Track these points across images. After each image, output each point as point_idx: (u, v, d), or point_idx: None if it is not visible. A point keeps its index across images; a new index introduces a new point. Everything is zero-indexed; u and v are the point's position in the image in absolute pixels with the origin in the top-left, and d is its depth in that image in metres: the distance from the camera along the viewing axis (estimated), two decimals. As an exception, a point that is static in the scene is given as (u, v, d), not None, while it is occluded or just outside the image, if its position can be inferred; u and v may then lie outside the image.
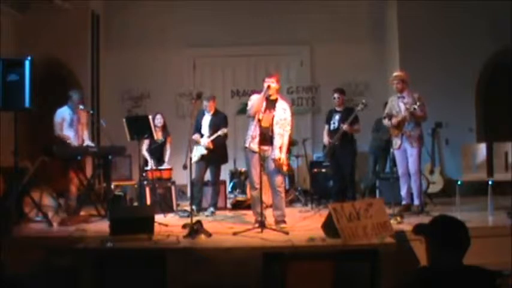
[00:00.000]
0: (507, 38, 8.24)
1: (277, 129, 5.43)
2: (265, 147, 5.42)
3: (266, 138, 5.42)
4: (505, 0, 8.07)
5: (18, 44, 8.32)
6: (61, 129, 6.53)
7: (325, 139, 7.12)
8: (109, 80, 9.33)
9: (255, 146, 5.38)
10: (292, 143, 6.90)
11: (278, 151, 5.40)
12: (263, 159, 5.39)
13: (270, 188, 5.61)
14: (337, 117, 7.00)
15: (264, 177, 5.51)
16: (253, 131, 5.41)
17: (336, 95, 7.07)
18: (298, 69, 9.64)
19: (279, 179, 5.48)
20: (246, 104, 8.93)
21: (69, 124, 6.58)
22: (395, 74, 6.33)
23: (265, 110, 5.45)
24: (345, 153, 6.88)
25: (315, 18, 9.28)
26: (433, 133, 8.49)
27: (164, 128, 7.54)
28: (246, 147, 5.53)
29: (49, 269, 4.39)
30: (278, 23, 9.31)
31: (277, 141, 5.42)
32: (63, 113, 6.59)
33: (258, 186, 5.35)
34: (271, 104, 5.49)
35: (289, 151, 5.91)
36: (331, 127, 7.02)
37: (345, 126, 6.77)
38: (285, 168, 5.46)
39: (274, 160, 5.37)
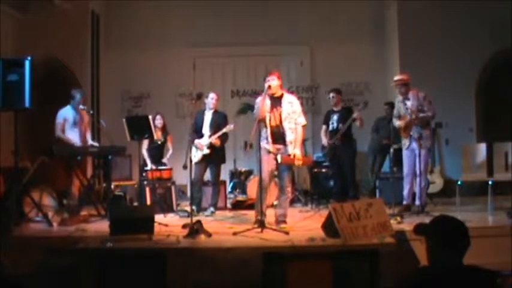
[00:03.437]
0: (507, 38, 8.24)
1: (287, 125, 5.40)
2: (278, 146, 5.41)
3: (278, 136, 5.40)
4: (505, 0, 8.07)
5: (18, 44, 8.33)
6: (62, 130, 6.55)
7: (324, 140, 7.13)
8: (109, 80, 9.34)
9: (269, 146, 5.38)
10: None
11: (291, 147, 5.37)
12: (276, 159, 5.37)
13: (277, 187, 5.61)
14: (335, 117, 7.02)
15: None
16: (265, 132, 5.41)
17: (331, 95, 7.12)
18: (298, 69, 9.64)
19: (288, 179, 5.47)
20: (246, 104, 9.01)
21: (72, 124, 6.61)
22: (396, 78, 6.29)
23: (271, 109, 5.42)
24: (345, 153, 6.90)
25: (314, 18, 9.28)
26: (433, 133, 8.49)
27: (164, 128, 7.55)
28: (260, 147, 5.44)
29: (49, 269, 4.38)
30: (278, 23, 9.31)
31: (289, 137, 5.39)
32: (66, 113, 6.62)
33: (267, 185, 5.37)
34: (276, 101, 5.46)
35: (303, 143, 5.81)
36: (330, 127, 7.03)
37: (342, 129, 6.74)
38: (297, 162, 5.35)
39: (288, 156, 5.32)
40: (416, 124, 6.03)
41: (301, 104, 9.26)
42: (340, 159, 6.93)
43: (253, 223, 5.34)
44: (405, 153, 6.23)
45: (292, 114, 5.43)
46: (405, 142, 6.21)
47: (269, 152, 5.39)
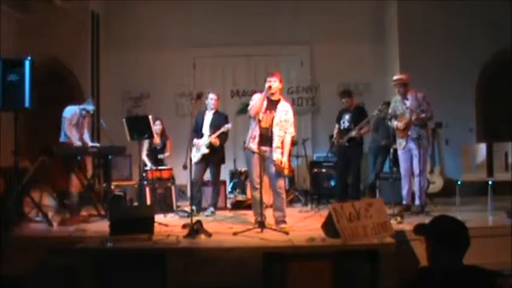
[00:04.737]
0: (507, 38, 8.24)
1: (276, 131, 5.38)
2: (264, 148, 5.38)
3: (265, 139, 5.37)
4: (505, 0, 8.07)
5: (18, 44, 8.32)
6: (71, 124, 6.53)
7: (335, 138, 7.15)
8: (109, 80, 9.33)
9: (254, 146, 5.35)
10: (293, 143, 6.89)
11: (278, 153, 5.36)
12: (264, 160, 5.37)
13: (271, 189, 5.60)
14: (347, 116, 7.06)
15: (265, 178, 5.50)
16: (254, 131, 5.38)
17: (343, 100, 7.17)
18: (298, 69, 9.64)
19: (280, 181, 5.44)
20: (246, 104, 8.99)
21: (74, 123, 6.63)
22: (395, 77, 6.30)
23: (265, 110, 5.40)
24: (353, 154, 6.93)
25: (314, 18, 9.27)
26: (433, 133, 8.49)
27: (163, 133, 7.58)
28: (246, 147, 5.50)
29: (49, 269, 4.38)
30: (278, 23, 9.31)
31: (276, 143, 5.37)
32: (73, 111, 6.62)
33: (258, 186, 5.32)
34: (272, 104, 5.44)
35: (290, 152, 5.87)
36: (342, 126, 7.06)
37: (354, 133, 6.81)
38: (286, 171, 5.39)
39: (273, 162, 5.33)
40: (415, 124, 6.03)
41: (301, 104, 9.42)
42: (348, 159, 6.95)
43: (253, 223, 5.33)
44: (401, 154, 6.22)
45: (284, 122, 5.42)
46: (401, 142, 6.20)
47: (254, 152, 5.35)
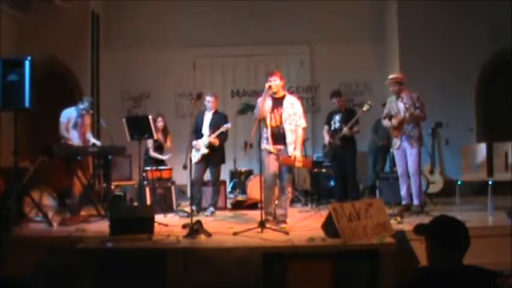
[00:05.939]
0: (507, 38, 8.24)
1: (287, 126, 5.40)
2: (279, 147, 5.41)
3: (278, 137, 5.40)
4: (505, 0, 8.07)
5: (18, 44, 8.32)
6: (67, 129, 6.61)
7: (326, 138, 7.17)
8: (109, 80, 9.33)
9: (269, 146, 5.38)
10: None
11: (292, 148, 5.37)
12: (278, 159, 5.37)
13: (278, 187, 5.61)
14: (337, 117, 7.08)
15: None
16: (265, 132, 5.42)
17: (333, 100, 7.18)
18: (298, 69, 9.65)
19: (288, 179, 5.48)
20: (246, 104, 9.02)
21: (73, 125, 6.69)
22: (390, 76, 6.32)
23: (272, 110, 5.43)
24: (346, 154, 6.94)
25: (314, 18, 9.27)
26: (433, 133, 8.50)
27: (165, 129, 7.59)
28: (261, 149, 5.46)
29: (49, 269, 4.38)
30: (278, 23, 9.31)
31: (289, 138, 5.38)
32: (69, 114, 6.67)
33: (270, 185, 5.37)
34: (278, 102, 5.46)
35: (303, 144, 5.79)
36: (332, 127, 7.07)
37: (344, 129, 6.83)
38: (298, 164, 5.36)
39: (289, 157, 5.32)
40: (409, 122, 6.03)
41: (302, 104, 9.39)
42: (341, 159, 6.96)
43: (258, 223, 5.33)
44: (396, 153, 6.23)
45: (293, 115, 5.43)
46: (395, 142, 6.21)
47: (270, 152, 5.40)
